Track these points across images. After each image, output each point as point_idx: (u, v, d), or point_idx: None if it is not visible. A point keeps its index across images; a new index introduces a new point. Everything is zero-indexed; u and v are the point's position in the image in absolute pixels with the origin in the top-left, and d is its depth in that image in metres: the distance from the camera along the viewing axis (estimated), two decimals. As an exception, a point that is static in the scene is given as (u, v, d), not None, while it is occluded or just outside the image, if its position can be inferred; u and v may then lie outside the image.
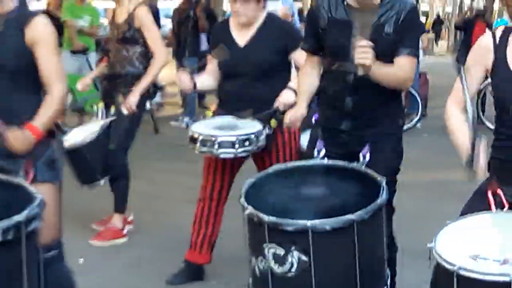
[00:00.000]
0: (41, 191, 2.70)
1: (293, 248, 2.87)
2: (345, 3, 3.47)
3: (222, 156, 4.18)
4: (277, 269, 2.93)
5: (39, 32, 2.97)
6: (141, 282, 4.55)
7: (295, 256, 2.89)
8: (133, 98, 5.25)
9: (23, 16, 3.01)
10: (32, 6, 5.15)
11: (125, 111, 5.16)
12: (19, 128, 2.94)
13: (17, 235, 2.44)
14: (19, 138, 2.94)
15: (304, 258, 2.88)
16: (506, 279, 2.26)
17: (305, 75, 3.77)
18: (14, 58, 2.97)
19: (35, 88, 3.09)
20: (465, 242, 2.61)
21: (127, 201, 5.67)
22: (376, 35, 3.35)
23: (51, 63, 3.02)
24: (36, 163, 3.05)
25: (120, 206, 5.62)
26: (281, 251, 2.89)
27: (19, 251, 2.51)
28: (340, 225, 2.86)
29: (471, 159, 2.59)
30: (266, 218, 2.88)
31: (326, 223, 2.84)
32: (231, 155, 4.15)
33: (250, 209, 2.97)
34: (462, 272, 2.32)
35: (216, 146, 4.08)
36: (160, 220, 5.91)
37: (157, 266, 4.74)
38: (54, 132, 3.12)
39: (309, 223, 2.83)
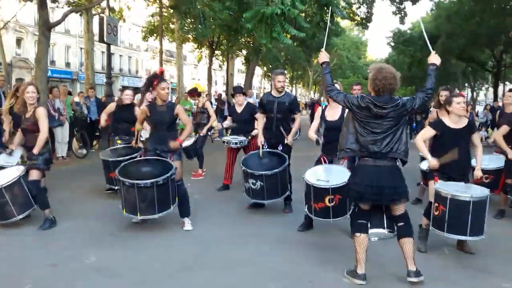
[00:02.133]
0: (176, 164, 5.77)
1: (258, 180, 6.36)
2: (271, 94, 6.83)
3: (232, 146, 7.94)
4: (253, 186, 6.41)
5: (179, 109, 5.98)
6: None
7: (258, 182, 6.37)
8: (204, 130, 9.41)
9: (172, 105, 6.04)
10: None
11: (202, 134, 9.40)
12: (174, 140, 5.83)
13: (169, 179, 5.54)
14: (177, 145, 5.87)
15: (261, 183, 6.35)
16: (326, 186, 5.36)
17: (260, 121, 7.08)
18: (170, 120, 5.94)
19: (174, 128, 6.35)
20: (314, 174, 5.61)
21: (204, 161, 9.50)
22: (282, 105, 6.72)
23: (186, 118, 6.25)
24: (174, 154, 5.86)
25: (201, 164, 9.54)
26: (254, 181, 6.39)
27: (168, 184, 5.56)
28: (273, 173, 6.32)
29: None
30: (249, 170, 6.43)
31: (269, 172, 6.34)
32: (235, 146, 7.95)
33: (244, 167, 6.50)
34: (314, 185, 5.44)
35: (230, 143, 7.89)
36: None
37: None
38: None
39: (263, 172, 6.34)
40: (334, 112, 5.93)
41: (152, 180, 5.51)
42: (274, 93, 6.86)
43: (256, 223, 6.30)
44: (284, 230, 5.97)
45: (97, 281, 4.27)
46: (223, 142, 8.15)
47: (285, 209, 6.87)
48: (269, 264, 4.76)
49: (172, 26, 26.11)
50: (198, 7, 11.42)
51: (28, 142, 5.89)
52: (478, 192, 4.99)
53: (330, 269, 4.64)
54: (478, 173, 5.42)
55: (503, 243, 5.65)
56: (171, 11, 21.14)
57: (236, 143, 7.78)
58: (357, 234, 4.32)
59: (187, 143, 8.56)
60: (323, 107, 6.13)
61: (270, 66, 38.31)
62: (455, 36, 28.86)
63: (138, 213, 5.58)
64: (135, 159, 6.39)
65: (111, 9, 17.82)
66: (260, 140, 6.92)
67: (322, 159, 6.04)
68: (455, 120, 5.24)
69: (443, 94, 6.68)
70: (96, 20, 17.07)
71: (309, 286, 4.26)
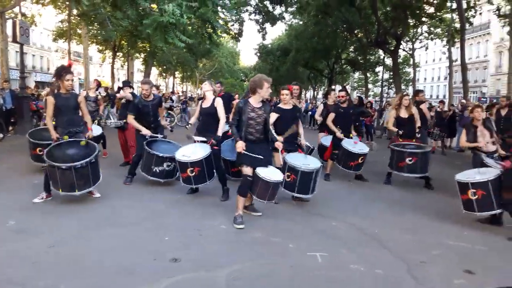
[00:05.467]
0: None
1: (166, 163, 6.02)
2: (143, 99, 6.20)
3: (111, 126, 7.56)
4: (166, 167, 6.04)
5: (82, 99, 5.49)
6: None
7: (166, 166, 6.04)
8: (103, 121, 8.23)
9: (75, 94, 5.39)
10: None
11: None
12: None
13: (97, 156, 5.23)
14: (91, 134, 5.41)
15: (171, 164, 6.01)
16: (186, 160, 5.40)
17: (133, 121, 6.22)
18: (75, 105, 5.35)
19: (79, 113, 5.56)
20: (183, 151, 5.56)
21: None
22: (155, 107, 6.30)
23: (85, 108, 5.64)
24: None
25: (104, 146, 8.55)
26: (168, 163, 6.02)
27: (97, 160, 5.20)
28: (172, 156, 5.92)
29: None
30: (165, 154, 6.03)
31: (172, 155, 5.89)
32: (112, 126, 7.54)
33: (162, 154, 6.01)
34: (179, 160, 5.45)
35: (110, 124, 7.40)
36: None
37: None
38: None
39: (169, 155, 6.01)
40: (207, 102, 5.92)
41: (87, 160, 5.09)
42: (145, 98, 6.36)
43: (152, 190, 6.12)
44: (175, 194, 5.92)
45: (17, 241, 3.89)
46: (105, 124, 7.66)
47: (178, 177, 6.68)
48: (164, 220, 4.72)
49: (79, 30, 24.25)
50: (102, 10, 10.77)
51: None
52: (311, 165, 5.44)
53: (212, 220, 4.74)
54: (303, 143, 5.95)
55: (331, 196, 6.18)
56: (79, 18, 19.76)
57: (112, 124, 7.32)
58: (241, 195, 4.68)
59: (95, 133, 6.85)
60: (202, 100, 6.11)
61: (165, 67, 38.36)
62: (302, 51, 30.39)
63: (77, 190, 5.09)
64: (58, 142, 5.39)
65: (23, 15, 16.30)
66: (146, 132, 6.24)
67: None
68: (286, 105, 5.85)
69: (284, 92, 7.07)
70: (9, 23, 15.58)
71: (197, 234, 4.31)
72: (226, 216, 4.85)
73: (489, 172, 4.97)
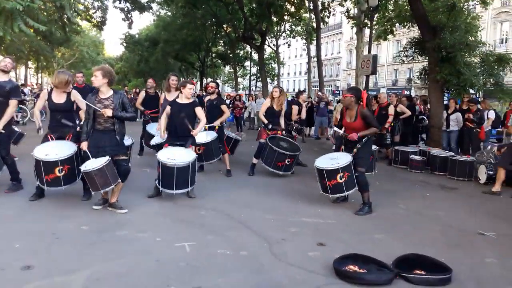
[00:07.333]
0: None
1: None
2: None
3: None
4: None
5: None
6: None
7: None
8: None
9: None
10: None
11: None
12: None
13: None
14: None
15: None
16: (51, 159, 4.88)
17: None
18: None
19: None
20: (43, 150, 5.25)
21: None
22: (3, 89, 5.21)
23: None
24: None
25: None
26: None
27: None
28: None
29: None
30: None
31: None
32: None
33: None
34: (43, 160, 4.85)
35: None
36: None
37: None
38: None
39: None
40: (60, 96, 5.16)
41: None
42: None
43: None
44: (23, 199, 5.23)
45: None
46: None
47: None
48: (15, 227, 4.20)
49: None
50: None
51: None
52: (182, 159, 5.31)
53: (71, 222, 4.39)
54: (196, 132, 5.62)
55: (201, 187, 6.14)
56: None
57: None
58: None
59: None
60: (49, 90, 5.34)
61: (14, 56, 34.14)
62: (171, 42, 29.94)
63: None
64: None
65: None
66: None
67: (49, 136, 5.27)
68: (184, 99, 5.71)
69: (173, 78, 7.50)
70: None
71: (53, 237, 3.94)
72: (88, 216, 4.56)
73: (341, 156, 5.44)
